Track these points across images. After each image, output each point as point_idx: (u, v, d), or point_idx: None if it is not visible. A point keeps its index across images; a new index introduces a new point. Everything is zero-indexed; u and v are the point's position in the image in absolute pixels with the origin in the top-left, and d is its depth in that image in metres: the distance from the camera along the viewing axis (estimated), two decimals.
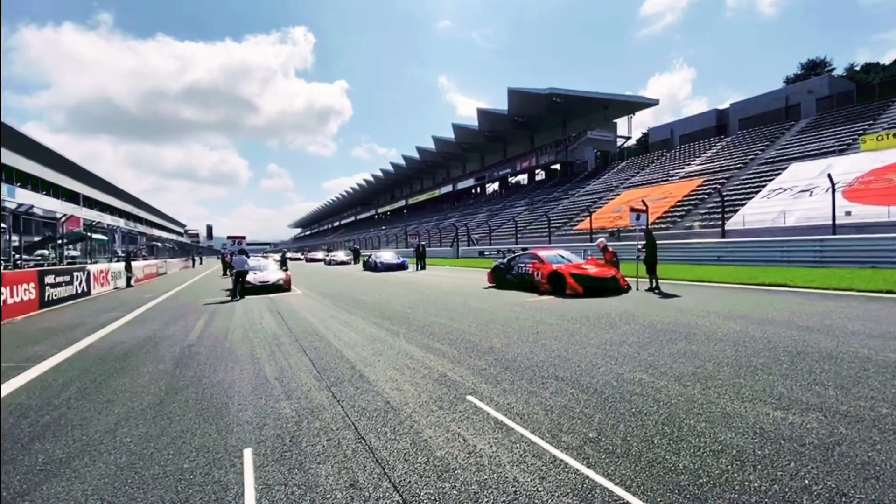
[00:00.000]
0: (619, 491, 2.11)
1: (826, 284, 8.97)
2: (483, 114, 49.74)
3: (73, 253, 19.30)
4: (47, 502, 2.21)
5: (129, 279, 16.82)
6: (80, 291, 12.51)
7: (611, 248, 11.31)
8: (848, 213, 17.05)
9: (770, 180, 23.86)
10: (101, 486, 2.34)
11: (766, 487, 2.08)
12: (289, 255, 35.49)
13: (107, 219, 45.96)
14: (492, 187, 64.61)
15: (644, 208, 13.89)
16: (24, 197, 30.11)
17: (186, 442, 2.84)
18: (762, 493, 2.04)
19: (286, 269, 15.24)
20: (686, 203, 26.30)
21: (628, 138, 50.01)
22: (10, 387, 4.18)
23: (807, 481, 2.12)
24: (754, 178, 25.41)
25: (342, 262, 33.75)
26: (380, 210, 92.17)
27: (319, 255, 46.38)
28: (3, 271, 8.89)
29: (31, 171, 35.35)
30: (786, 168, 24.35)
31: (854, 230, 15.34)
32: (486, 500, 2.09)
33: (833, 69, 47.84)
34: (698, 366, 4.02)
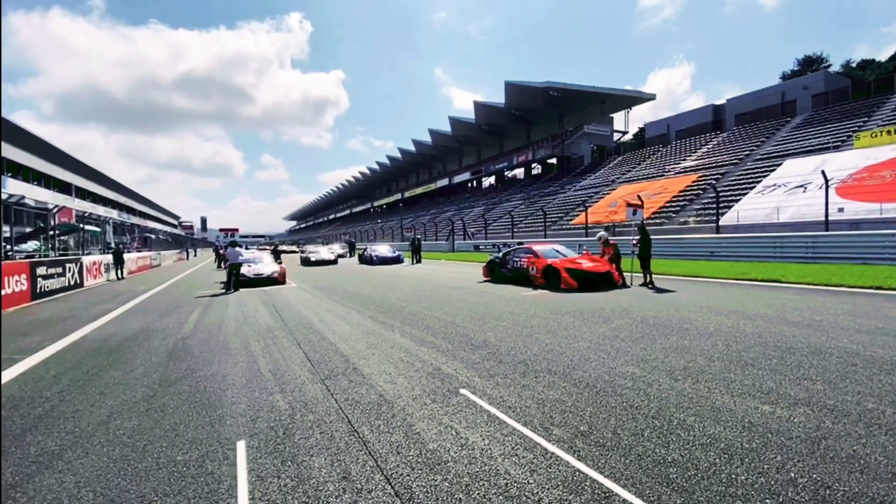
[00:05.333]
0: (608, 483, 2.14)
1: (817, 280, 9.05)
2: (480, 107, 49.52)
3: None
4: (40, 494, 2.21)
5: (119, 270, 16.70)
6: (72, 283, 12.43)
7: (612, 241, 10.81)
8: (841, 210, 17.20)
9: (765, 176, 23.99)
10: (93, 479, 2.34)
11: (752, 480, 2.12)
12: (283, 247, 33.31)
13: (99, 210, 45.53)
14: (488, 181, 64.52)
15: (640, 203, 13.93)
16: (14, 187, 29.74)
17: (179, 434, 2.84)
18: (749, 485, 2.08)
19: (280, 262, 15.18)
20: (681, 198, 26.41)
21: (625, 133, 50.17)
22: (1, 379, 4.16)
23: (792, 474, 2.15)
24: (749, 173, 25.53)
25: (326, 262, 23.13)
26: (375, 203, 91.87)
27: (309, 247, 44.89)
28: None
29: (22, 161, 34.87)
30: (780, 164, 24.48)
31: (847, 226, 15.49)
32: (477, 492, 2.11)
33: (829, 65, 48.07)
34: (689, 360, 4.07)
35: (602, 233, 11.48)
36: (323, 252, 24.73)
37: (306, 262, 23.09)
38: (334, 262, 23.46)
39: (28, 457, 2.60)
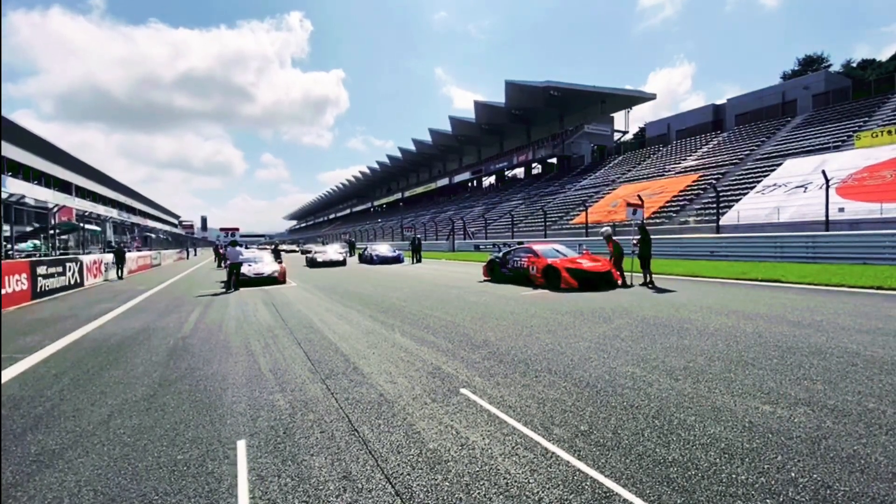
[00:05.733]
0: (608, 483, 2.14)
1: (818, 280, 9.05)
2: (480, 106, 49.50)
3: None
4: (40, 493, 2.21)
5: (120, 270, 16.59)
6: (73, 282, 12.43)
7: (614, 239, 10.72)
8: (841, 210, 17.19)
9: (765, 176, 23.97)
10: (94, 478, 2.34)
11: (752, 480, 2.12)
12: (283, 246, 32.99)
13: (99, 209, 45.55)
14: (488, 181, 64.50)
15: (640, 203, 13.91)
16: (14, 186, 29.74)
17: (180, 433, 2.84)
18: (749, 485, 2.08)
19: (280, 262, 15.19)
20: (682, 198, 26.39)
21: (625, 133, 50.11)
22: (2, 378, 4.16)
23: (793, 474, 2.15)
24: (749, 173, 25.52)
25: (334, 263, 21.21)
26: (376, 203, 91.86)
27: (315, 247, 44.96)
28: None
29: (22, 160, 34.87)
30: (781, 164, 24.47)
31: (847, 226, 15.48)
32: (477, 491, 2.11)
33: (830, 65, 48.07)
34: (690, 360, 4.07)
35: (606, 228, 11.43)
36: (331, 252, 22.63)
37: (312, 263, 21.23)
38: (343, 263, 21.46)
39: (29, 456, 2.60)
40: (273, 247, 25.43)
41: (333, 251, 23.13)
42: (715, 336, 4.94)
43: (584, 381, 3.58)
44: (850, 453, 2.32)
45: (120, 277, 16.49)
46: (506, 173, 60.45)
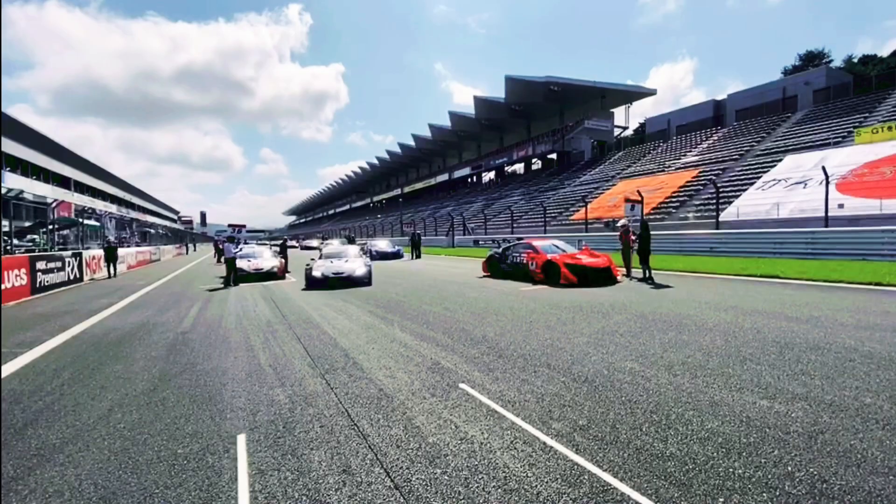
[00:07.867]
0: (606, 477, 2.15)
1: (817, 276, 9.06)
2: (480, 101, 49.30)
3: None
4: (41, 487, 2.23)
5: (111, 268, 15.26)
6: (72, 278, 12.43)
7: (632, 233, 10.66)
8: (841, 206, 17.16)
9: (765, 172, 23.92)
10: (94, 471, 2.35)
11: (749, 474, 2.13)
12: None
13: (98, 204, 45.47)
14: (488, 176, 64.33)
15: (639, 199, 13.91)
16: (13, 181, 29.66)
17: (180, 428, 2.86)
18: (746, 479, 2.09)
19: (284, 257, 15.20)
20: (681, 194, 26.35)
21: (625, 128, 49.90)
22: (2, 372, 4.17)
23: (790, 468, 2.16)
24: (749, 169, 25.47)
25: (354, 281, 10.90)
26: (375, 198, 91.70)
27: (314, 243, 45.27)
28: None
29: (20, 155, 34.73)
30: (781, 160, 24.40)
31: (846, 223, 15.46)
32: (476, 485, 2.12)
33: (831, 61, 47.82)
34: (688, 355, 4.08)
35: (623, 221, 11.48)
36: (352, 259, 12.32)
37: (310, 279, 10.85)
38: (367, 281, 11.16)
39: (29, 450, 2.61)
40: (281, 242, 25.42)
41: (356, 256, 13.00)
42: (713, 331, 4.95)
43: (583, 376, 3.59)
44: (846, 448, 2.34)
45: (112, 276, 15.17)
46: (505, 169, 60.30)
